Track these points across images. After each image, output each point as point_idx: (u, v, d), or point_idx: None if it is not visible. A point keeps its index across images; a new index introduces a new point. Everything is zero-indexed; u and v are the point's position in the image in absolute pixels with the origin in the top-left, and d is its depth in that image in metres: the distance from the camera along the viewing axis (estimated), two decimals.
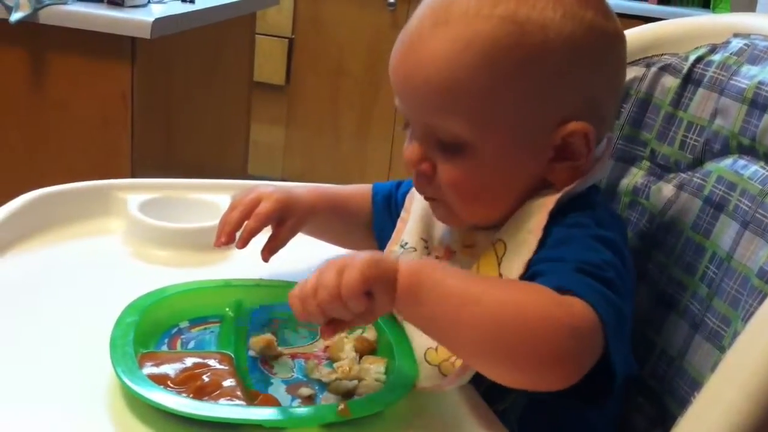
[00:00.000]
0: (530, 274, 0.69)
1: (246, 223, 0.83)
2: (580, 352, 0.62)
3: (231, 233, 0.83)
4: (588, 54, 0.73)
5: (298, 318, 0.67)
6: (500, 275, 0.72)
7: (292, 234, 0.87)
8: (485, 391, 0.72)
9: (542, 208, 0.73)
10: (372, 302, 0.64)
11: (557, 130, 0.72)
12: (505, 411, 0.73)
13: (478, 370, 0.67)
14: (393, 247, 0.84)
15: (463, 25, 0.70)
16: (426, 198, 0.79)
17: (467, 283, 0.66)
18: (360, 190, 0.94)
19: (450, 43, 0.71)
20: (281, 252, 0.86)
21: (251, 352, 0.76)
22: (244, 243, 0.83)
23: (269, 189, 0.86)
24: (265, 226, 0.84)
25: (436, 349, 0.73)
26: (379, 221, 0.91)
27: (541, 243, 0.71)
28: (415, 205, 0.85)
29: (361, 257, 0.64)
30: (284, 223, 0.85)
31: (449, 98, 0.71)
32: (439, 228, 0.82)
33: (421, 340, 0.75)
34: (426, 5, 0.74)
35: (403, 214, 0.86)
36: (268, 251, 0.86)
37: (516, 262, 0.71)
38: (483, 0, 0.71)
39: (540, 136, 0.73)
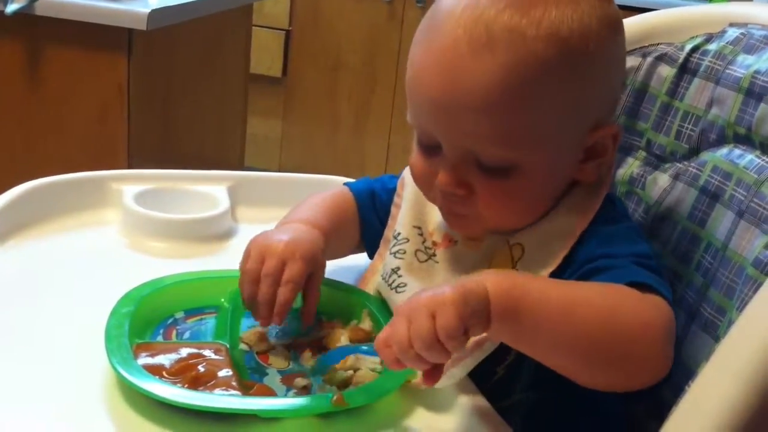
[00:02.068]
0: (586, 270, 0.69)
1: (279, 293, 0.75)
2: (671, 347, 0.65)
3: (281, 312, 0.75)
4: (616, 55, 0.74)
5: (391, 368, 0.64)
6: None
7: (318, 289, 0.79)
8: (491, 387, 0.72)
9: (572, 213, 0.74)
10: (467, 336, 0.61)
11: (591, 134, 0.72)
12: (510, 408, 0.73)
13: (571, 375, 0.66)
14: (389, 234, 0.84)
15: (509, 49, 0.67)
16: (451, 214, 0.76)
17: (560, 293, 0.65)
18: (337, 194, 0.89)
19: (499, 70, 0.67)
20: None
21: (243, 347, 0.76)
22: (281, 318, 0.75)
23: (281, 245, 0.76)
24: (299, 291, 0.77)
25: None
26: (367, 220, 0.89)
27: (578, 243, 0.72)
28: (407, 190, 0.83)
29: (448, 295, 0.60)
30: (310, 281, 0.78)
31: (500, 126, 0.69)
32: (435, 213, 0.80)
33: None
34: (455, 20, 0.69)
35: (395, 199, 0.85)
36: (310, 315, 0.79)
37: (535, 267, 0.72)
38: (524, 18, 0.67)
39: (576, 142, 0.73)
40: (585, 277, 0.69)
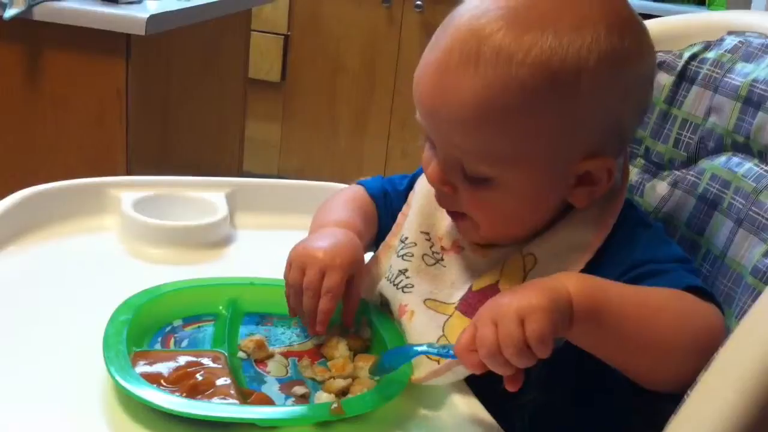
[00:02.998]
0: (636, 275, 0.70)
1: (320, 303, 0.76)
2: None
3: (323, 321, 0.76)
4: (621, 86, 0.71)
5: (473, 371, 0.64)
6: None
7: (360, 289, 0.80)
8: (501, 388, 0.72)
9: (587, 225, 0.74)
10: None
11: (582, 163, 0.72)
12: (518, 409, 0.73)
13: (637, 376, 0.67)
14: (392, 241, 0.84)
15: (494, 69, 0.67)
16: (449, 212, 0.78)
17: (637, 297, 0.66)
18: (358, 194, 0.91)
19: (480, 88, 0.67)
20: (276, 250, 0.86)
21: (241, 354, 0.76)
22: (324, 327, 0.76)
23: (320, 254, 0.77)
24: (340, 298, 0.77)
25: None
26: (383, 220, 0.90)
27: (603, 251, 0.72)
28: (416, 197, 0.84)
29: (539, 300, 0.61)
30: (351, 283, 0.78)
31: (478, 143, 0.69)
32: (444, 220, 0.81)
33: (420, 337, 0.75)
34: (453, 31, 0.70)
35: (404, 208, 0.86)
36: (350, 316, 0.79)
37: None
38: (515, 42, 0.67)
39: (565, 168, 0.72)
40: (635, 281, 0.69)
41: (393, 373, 0.71)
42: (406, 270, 0.80)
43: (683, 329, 0.65)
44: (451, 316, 0.75)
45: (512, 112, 0.68)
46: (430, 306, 0.77)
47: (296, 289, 0.77)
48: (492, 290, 0.74)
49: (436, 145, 0.74)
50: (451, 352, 0.65)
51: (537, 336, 0.60)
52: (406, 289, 0.79)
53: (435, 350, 0.69)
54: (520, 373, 0.63)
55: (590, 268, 0.72)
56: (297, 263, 0.78)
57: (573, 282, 0.64)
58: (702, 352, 0.62)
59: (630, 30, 0.70)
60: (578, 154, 0.71)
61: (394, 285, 0.80)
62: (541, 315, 0.61)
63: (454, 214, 0.77)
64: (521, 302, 0.61)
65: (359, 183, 0.93)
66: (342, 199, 0.90)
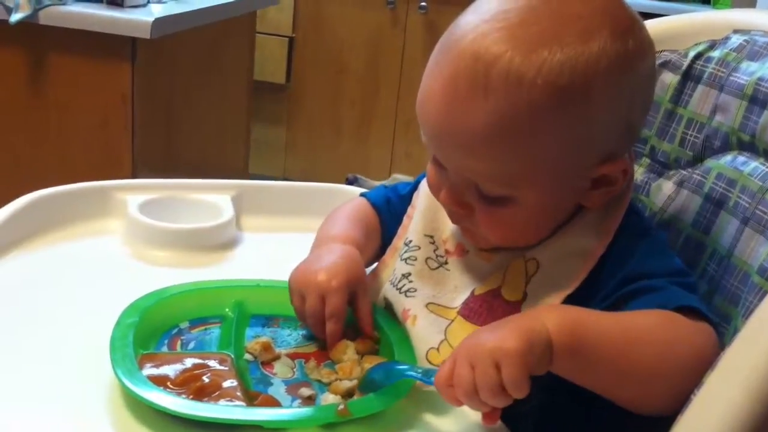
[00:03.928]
0: (629, 291, 0.69)
1: (327, 327, 0.76)
2: None
3: (333, 344, 0.76)
4: (629, 89, 0.70)
5: (452, 404, 0.65)
6: (525, 293, 0.73)
7: (368, 298, 0.79)
8: None
9: (590, 231, 0.73)
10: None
11: (598, 167, 0.71)
12: (523, 414, 0.73)
13: (626, 404, 0.67)
14: (398, 243, 0.84)
15: (504, 93, 0.65)
16: (459, 226, 0.77)
17: (619, 328, 0.65)
18: (359, 207, 0.90)
19: (491, 114, 0.66)
20: (282, 253, 0.86)
21: (248, 356, 0.76)
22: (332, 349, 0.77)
23: (316, 279, 0.76)
24: (345, 318, 0.77)
25: (438, 350, 0.73)
26: (387, 228, 0.89)
27: (606, 257, 0.72)
28: (421, 200, 0.84)
29: (513, 346, 0.61)
30: (356, 297, 0.78)
31: (493, 164, 0.68)
32: (449, 222, 0.80)
33: (422, 342, 0.75)
34: (455, 56, 0.68)
35: (409, 210, 0.85)
36: (368, 326, 0.78)
37: (550, 285, 0.72)
38: (525, 62, 0.65)
39: (580, 175, 0.72)
40: (628, 297, 0.69)
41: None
42: (409, 274, 0.80)
43: (667, 358, 0.64)
44: (453, 320, 0.75)
45: (526, 133, 0.67)
46: (433, 310, 0.77)
47: (301, 316, 0.78)
48: (494, 295, 0.74)
49: (448, 168, 0.72)
50: (432, 379, 0.66)
51: (512, 383, 0.61)
52: (409, 293, 0.79)
53: (418, 375, 0.69)
54: (497, 410, 0.64)
55: (589, 277, 0.72)
56: (296, 291, 0.78)
57: (553, 319, 0.63)
58: (689, 377, 0.62)
59: (631, 31, 0.69)
60: (594, 160, 0.71)
61: (397, 289, 0.80)
62: (516, 360, 0.61)
63: (463, 226, 0.77)
64: (496, 345, 0.61)
65: (362, 195, 0.92)
66: (343, 213, 0.89)
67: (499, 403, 0.62)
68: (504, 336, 0.62)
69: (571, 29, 0.66)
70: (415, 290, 0.79)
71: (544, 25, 0.67)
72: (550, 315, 0.64)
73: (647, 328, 0.66)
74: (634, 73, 0.70)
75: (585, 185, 0.72)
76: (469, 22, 0.69)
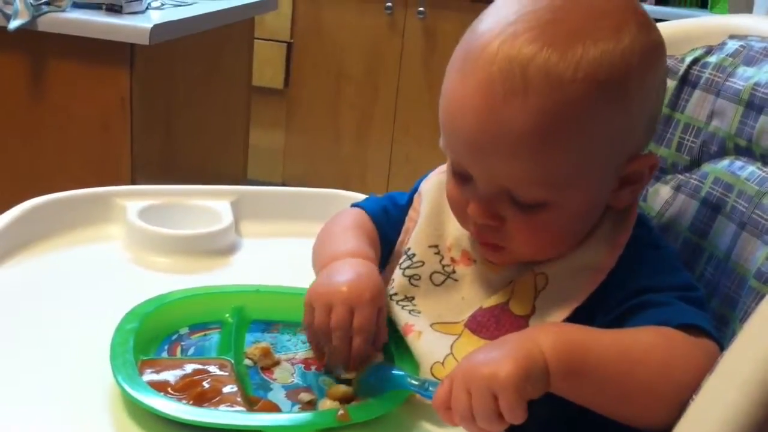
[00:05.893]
0: (634, 304, 0.69)
1: (354, 343, 0.72)
2: None
3: (357, 365, 0.73)
4: (656, 84, 0.71)
5: (452, 425, 0.65)
6: (534, 308, 0.72)
7: (386, 315, 0.76)
8: None
9: (600, 244, 0.73)
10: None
11: (628, 164, 0.71)
12: (526, 423, 0.73)
13: (625, 422, 0.66)
14: (400, 249, 0.82)
15: (545, 94, 0.65)
16: (481, 243, 0.75)
17: (618, 348, 0.65)
18: (359, 218, 0.86)
19: (533, 115, 0.65)
20: (281, 258, 0.86)
21: (248, 362, 0.76)
22: (357, 365, 0.73)
23: (345, 290, 0.73)
24: (372, 335, 0.73)
25: (443, 363, 0.73)
26: (386, 239, 0.86)
27: (611, 273, 0.71)
28: (423, 202, 0.82)
29: (510, 375, 0.61)
30: (380, 312, 0.75)
31: (535, 169, 0.67)
32: (454, 228, 0.79)
33: (427, 356, 0.74)
34: (486, 61, 0.67)
35: (411, 213, 0.84)
36: (380, 344, 0.75)
37: (558, 300, 0.72)
38: (562, 59, 0.65)
39: (613, 174, 0.71)
40: (633, 310, 0.69)
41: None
42: (414, 297, 0.78)
43: (667, 377, 0.64)
44: (460, 335, 0.74)
45: (569, 130, 0.66)
46: (438, 329, 0.76)
47: (325, 332, 0.72)
48: (502, 309, 0.74)
49: (478, 179, 0.71)
50: (430, 390, 0.66)
51: (508, 410, 0.61)
52: (413, 312, 0.78)
53: (415, 387, 0.69)
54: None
55: (597, 290, 0.71)
56: (321, 303, 0.72)
57: (550, 341, 0.63)
58: (687, 395, 0.62)
59: (651, 23, 0.71)
60: (626, 157, 0.71)
61: (399, 306, 0.78)
62: (512, 389, 0.61)
63: (487, 244, 0.74)
64: (492, 372, 0.61)
65: (355, 205, 0.89)
66: (345, 225, 0.85)
67: (496, 429, 0.63)
68: (500, 362, 0.62)
69: (600, 24, 0.67)
70: (419, 312, 0.77)
71: (573, 22, 0.67)
72: (547, 338, 0.63)
73: (645, 348, 0.65)
74: (660, 64, 0.72)
75: (614, 185, 0.72)
76: (492, 27, 0.68)
